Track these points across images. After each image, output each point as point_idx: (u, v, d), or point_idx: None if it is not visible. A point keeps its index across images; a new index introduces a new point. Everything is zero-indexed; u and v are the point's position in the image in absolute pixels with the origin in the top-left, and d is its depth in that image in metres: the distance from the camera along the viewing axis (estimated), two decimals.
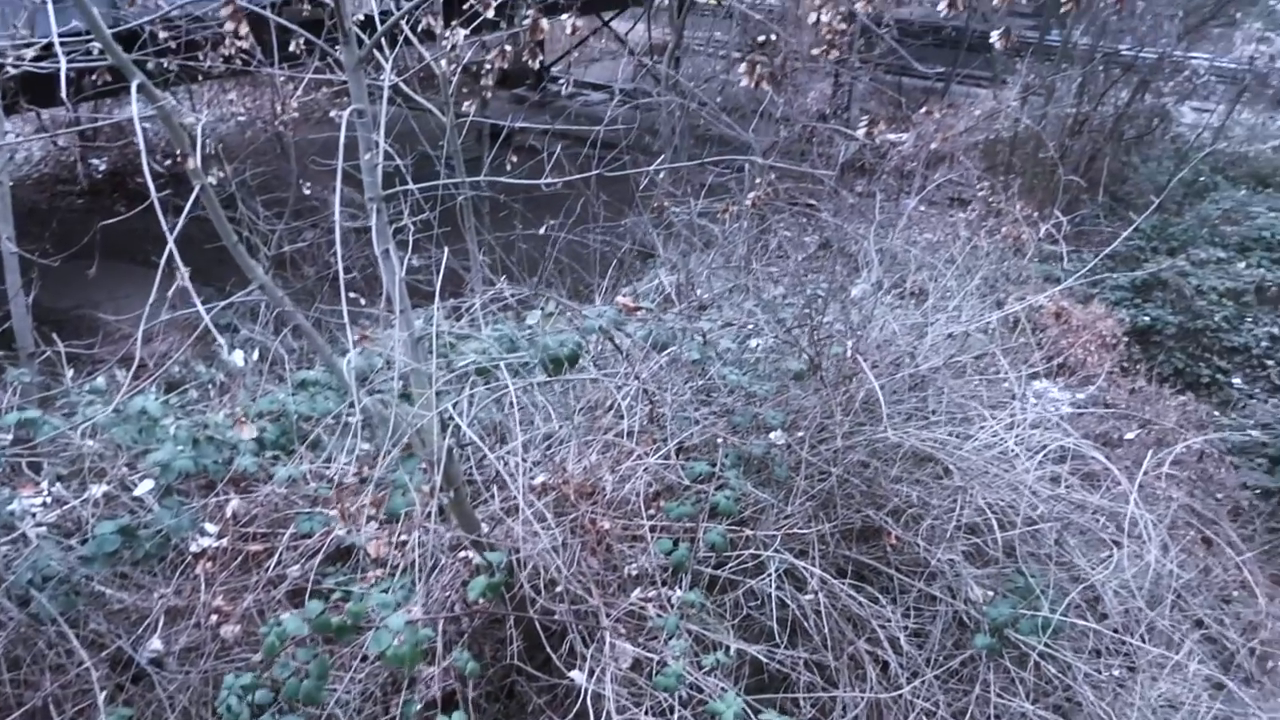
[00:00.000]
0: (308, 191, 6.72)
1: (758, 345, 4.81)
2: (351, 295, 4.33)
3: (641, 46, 17.22)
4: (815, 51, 2.79)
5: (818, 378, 4.15)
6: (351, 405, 3.23)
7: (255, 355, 5.29)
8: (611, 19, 21.60)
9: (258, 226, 6.85)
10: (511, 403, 3.48)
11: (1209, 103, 18.22)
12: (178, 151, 2.35)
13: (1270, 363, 11.93)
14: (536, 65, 3.04)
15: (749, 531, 3.65)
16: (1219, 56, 17.69)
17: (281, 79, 6.35)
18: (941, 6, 2.44)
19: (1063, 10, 2.98)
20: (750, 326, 4.88)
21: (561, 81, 14.98)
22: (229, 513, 3.65)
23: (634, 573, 3.54)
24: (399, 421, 2.94)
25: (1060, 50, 16.41)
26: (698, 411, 4.10)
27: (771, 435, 4.04)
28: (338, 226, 2.54)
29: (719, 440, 3.91)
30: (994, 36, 2.72)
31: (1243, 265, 13.43)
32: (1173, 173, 15.47)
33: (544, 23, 2.74)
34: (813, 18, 2.49)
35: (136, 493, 3.57)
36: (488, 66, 3.44)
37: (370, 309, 4.61)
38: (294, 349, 5.50)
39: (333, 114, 4.12)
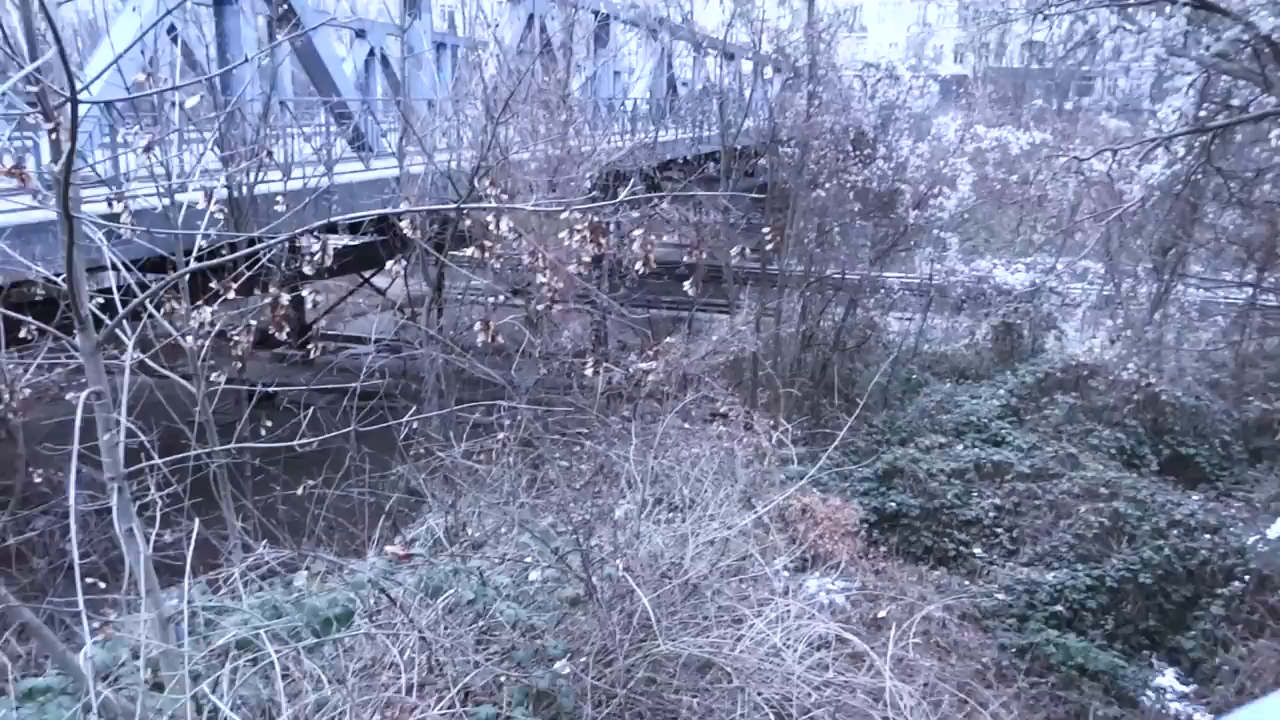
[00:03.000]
0: (38, 479, 6.21)
1: (535, 578, 4.87)
2: (89, 580, 4.00)
3: (402, 299, 17.75)
4: (540, 306, 3.16)
5: (594, 600, 4.27)
6: (87, 709, 2.93)
7: None
8: (372, 275, 22.21)
9: None
10: (278, 674, 3.30)
11: (907, 313, 21.29)
12: None
13: (1000, 530, 13.39)
14: (284, 336, 3.15)
15: None
16: (906, 275, 20.88)
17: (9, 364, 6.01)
18: (638, 267, 2.90)
19: (768, 246, 3.56)
20: (527, 560, 4.96)
21: (319, 337, 15.04)
22: None
23: None
24: (147, 714, 2.72)
25: (779, 278, 18.74)
26: (480, 653, 4.05)
27: (555, 666, 4.05)
28: (73, 511, 2.45)
29: (503, 680, 3.87)
30: (686, 285, 3.21)
31: (961, 447, 15.27)
32: (890, 374, 17.65)
33: (285, 298, 2.92)
34: (540, 278, 2.87)
35: None
36: (237, 338, 3.53)
37: (114, 595, 4.26)
38: (19, 655, 4.88)
39: (68, 395, 3.99)
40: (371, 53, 25.50)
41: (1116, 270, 18.73)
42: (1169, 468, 15.30)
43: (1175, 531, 12.33)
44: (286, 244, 4.90)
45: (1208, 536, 12.22)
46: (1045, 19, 10.50)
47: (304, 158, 12.04)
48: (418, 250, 12.72)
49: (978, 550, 13.23)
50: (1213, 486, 14.80)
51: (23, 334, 3.40)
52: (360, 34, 26.05)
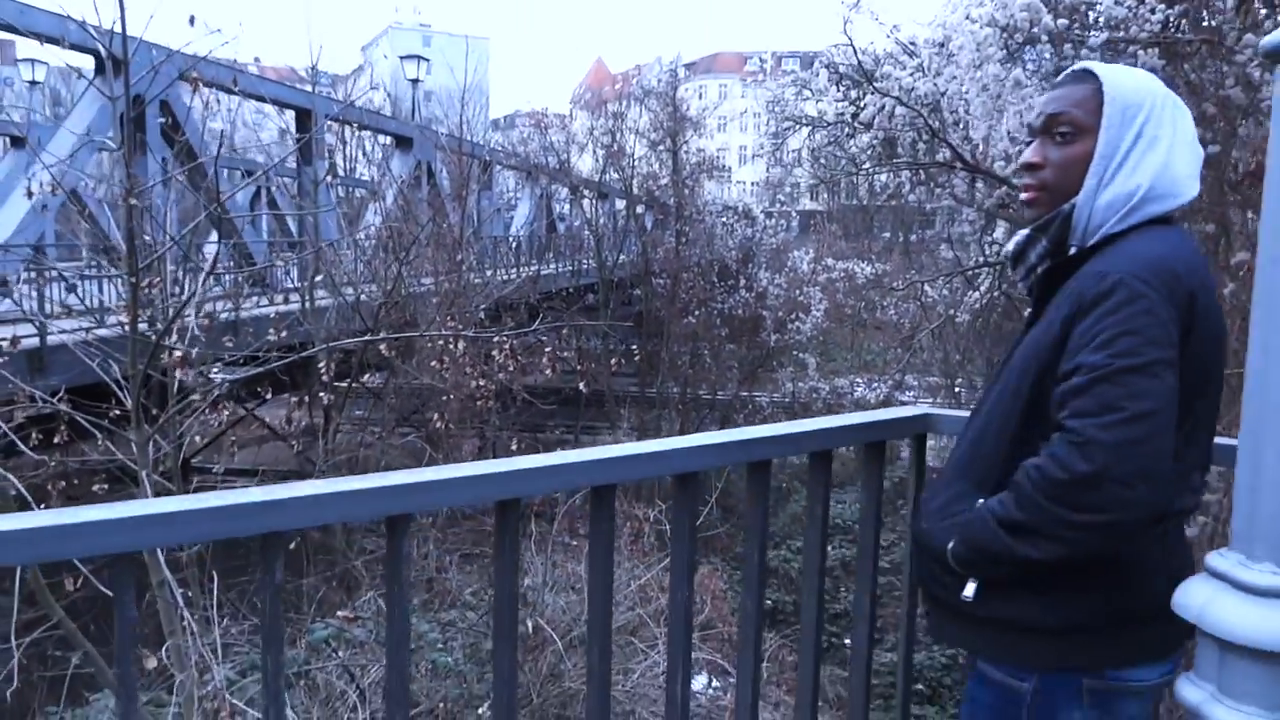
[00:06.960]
0: None
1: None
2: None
3: (296, 428, 18.11)
4: (440, 425, 4.14)
5: None
6: None
7: None
8: (256, 407, 22.34)
9: None
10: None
11: None
12: None
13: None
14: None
15: None
16: (773, 394, 22.70)
17: None
18: (547, 373, 3.97)
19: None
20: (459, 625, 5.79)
21: (213, 470, 15.20)
22: None
23: None
24: None
25: (657, 399, 20.17)
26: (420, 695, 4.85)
27: (479, 711, 4.89)
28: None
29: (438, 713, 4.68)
30: (580, 385, 4.28)
31: (830, 548, 16.55)
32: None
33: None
34: (439, 409, 3.87)
35: None
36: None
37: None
38: None
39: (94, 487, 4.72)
40: (258, 193, 26.27)
41: (955, 384, 21.03)
42: None
43: None
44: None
45: None
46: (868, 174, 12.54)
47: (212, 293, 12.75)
48: (317, 380, 13.39)
49: (849, 640, 14.31)
50: None
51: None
52: (248, 173, 26.87)
